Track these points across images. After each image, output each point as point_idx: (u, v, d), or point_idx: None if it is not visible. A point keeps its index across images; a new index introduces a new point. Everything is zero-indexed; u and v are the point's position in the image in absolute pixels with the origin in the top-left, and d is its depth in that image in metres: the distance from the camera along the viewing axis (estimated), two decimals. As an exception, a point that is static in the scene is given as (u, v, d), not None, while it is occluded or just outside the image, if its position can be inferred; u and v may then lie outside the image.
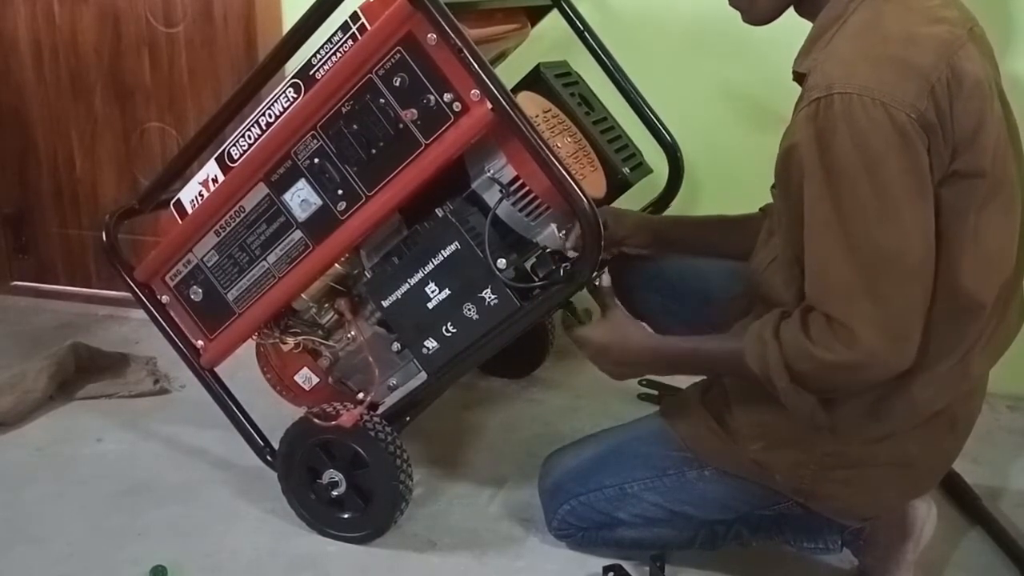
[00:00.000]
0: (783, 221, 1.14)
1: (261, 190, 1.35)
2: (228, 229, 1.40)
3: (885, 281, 1.01)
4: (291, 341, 1.45)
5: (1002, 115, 1.09)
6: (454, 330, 1.30)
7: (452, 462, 1.68)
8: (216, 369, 1.53)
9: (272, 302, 1.41)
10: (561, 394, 1.95)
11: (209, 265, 1.43)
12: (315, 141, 1.29)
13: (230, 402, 1.52)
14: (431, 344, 1.32)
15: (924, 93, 0.99)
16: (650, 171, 1.72)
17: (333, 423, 1.36)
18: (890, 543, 1.29)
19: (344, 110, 1.26)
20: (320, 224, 1.33)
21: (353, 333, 1.43)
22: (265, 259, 1.39)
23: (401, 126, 1.23)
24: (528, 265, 1.29)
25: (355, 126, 1.26)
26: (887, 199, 1.00)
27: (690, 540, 1.35)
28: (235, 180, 1.36)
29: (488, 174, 1.27)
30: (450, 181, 1.29)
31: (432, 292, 1.29)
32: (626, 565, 1.36)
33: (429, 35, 1.18)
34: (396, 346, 1.39)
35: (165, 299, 1.50)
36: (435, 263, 1.28)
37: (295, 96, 1.29)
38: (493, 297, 1.26)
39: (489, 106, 1.17)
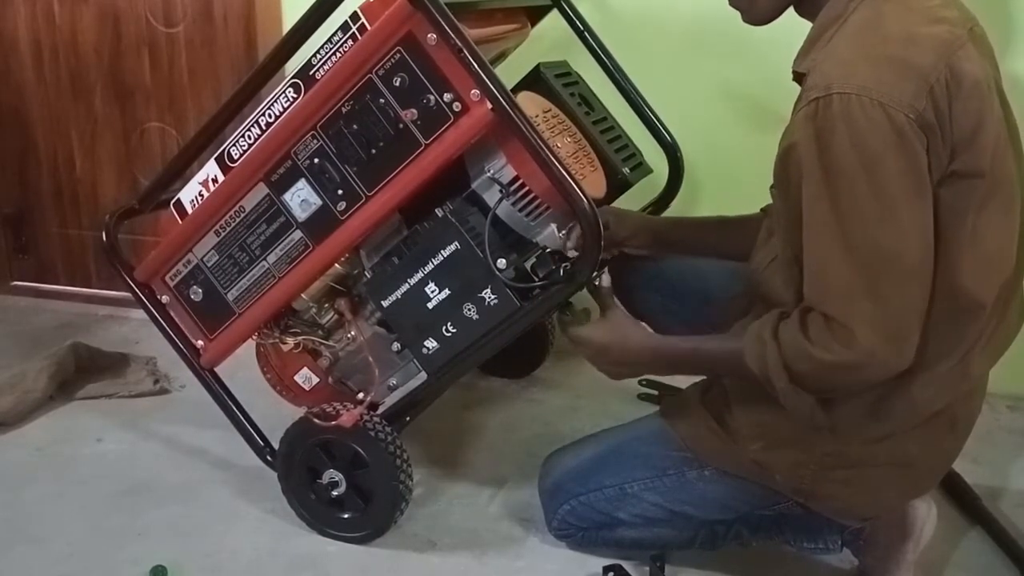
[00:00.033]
0: (782, 221, 1.14)
1: (261, 190, 1.35)
2: (228, 229, 1.40)
3: (884, 281, 1.01)
4: (291, 341, 1.45)
5: (1002, 115, 1.09)
6: (454, 330, 1.30)
7: (452, 462, 1.68)
8: (216, 369, 1.53)
9: (272, 302, 1.41)
10: (561, 394, 1.95)
11: (209, 265, 1.43)
12: (315, 141, 1.29)
13: (230, 402, 1.52)
14: (431, 344, 1.32)
15: (923, 93, 0.99)
16: (650, 171, 1.72)
17: (333, 423, 1.36)
18: (890, 543, 1.29)
19: (344, 110, 1.26)
20: (320, 224, 1.33)
21: (353, 333, 1.43)
22: (265, 259, 1.39)
23: (401, 126, 1.23)
24: (528, 265, 1.29)
25: (355, 126, 1.26)
26: (885, 199, 1.00)
27: (690, 540, 1.35)
28: (235, 180, 1.36)
29: (488, 174, 1.27)
30: (450, 181, 1.29)
31: (432, 292, 1.29)
32: (626, 565, 1.36)
33: (429, 35, 1.18)
34: (396, 346, 1.39)
35: (165, 299, 1.50)
36: (435, 263, 1.28)
37: (295, 96, 1.29)
38: (493, 297, 1.26)
39: (489, 106, 1.17)
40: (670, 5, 1.92)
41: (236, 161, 1.35)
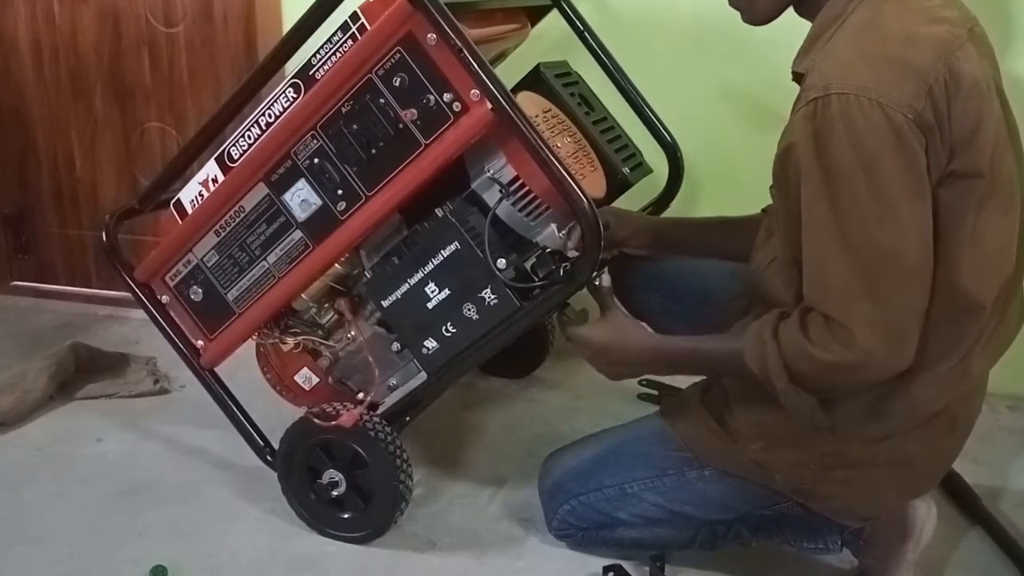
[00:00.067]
0: (781, 221, 1.14)
1: (261, 190, 1.35)
2: (228, 229, 1.40)
3: (883, 281, 1.01)
4: (291, 341, 1.45)
5: (1001, 115, 1.09)
6: (454, 330, 1.30)
7: (452, 462, 1.68)
8: (216, 369, 1.53)
9: (272, 302, 1.41)
10: (561, 394, 1.95)
11: (209, 265, 1.43)
12: (315, 141, 1.29)
13: (230, 402, 1.52)
14: (431, 344, 1.32)
15: (922, 93, 0.99)
16: (650, 171, 1.72)
17: (333, 423, 1.36)
18: (890, 543, 1.29)
19: (344, 110, 1.26)
20: (320, 224, 1.33)
21: (353, 333, 1.43)
22: (265, 259, 1.39)
23: (401, 126, 1.23)
24: (528, 265, 1.29)
25: (355, 126, 1.26)
26: (884, 199, 1.00)
27: (690, 540, 1.35)
28: (235, 180, 1.36)
29: (488, 174, 1.27)
30: (450, 181, 1.29)
31: (432, 292, 1.29)
32: (626, 565, 1.36)
33: (429, 35, 1.18)
34: (396, 346, 1.39)
35: (165, 299, 1.50)
36: (435, 263, 1.28)
37: (295, 96, 1.29)
38: (493, 297, 1.26)
39: (489, 106, 1.17)
40: (670, 5, 1.92)
41: (236, 161, 1.35)
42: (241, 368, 1.57)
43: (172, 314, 1.51)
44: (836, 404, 1.12)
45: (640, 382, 1.88)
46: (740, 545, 1.35)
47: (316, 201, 1.32)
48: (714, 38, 1.86)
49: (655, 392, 1.88)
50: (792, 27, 1.17)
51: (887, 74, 1.00)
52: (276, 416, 1.51)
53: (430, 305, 1.30)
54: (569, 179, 1.18)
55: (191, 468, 1.64)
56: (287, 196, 1.33)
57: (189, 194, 1.42)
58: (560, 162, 1.18)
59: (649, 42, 1.92)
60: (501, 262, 1.24)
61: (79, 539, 1.44)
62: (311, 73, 1.27)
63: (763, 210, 1.42)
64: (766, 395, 1.12)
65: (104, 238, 1.54)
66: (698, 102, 1.94)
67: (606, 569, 1.35)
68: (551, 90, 1.57)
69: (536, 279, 1.26)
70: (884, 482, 1.20)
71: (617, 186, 1.60)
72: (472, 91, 1.18)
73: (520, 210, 1.28)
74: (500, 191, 1.26)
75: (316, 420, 1.38)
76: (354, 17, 1.23)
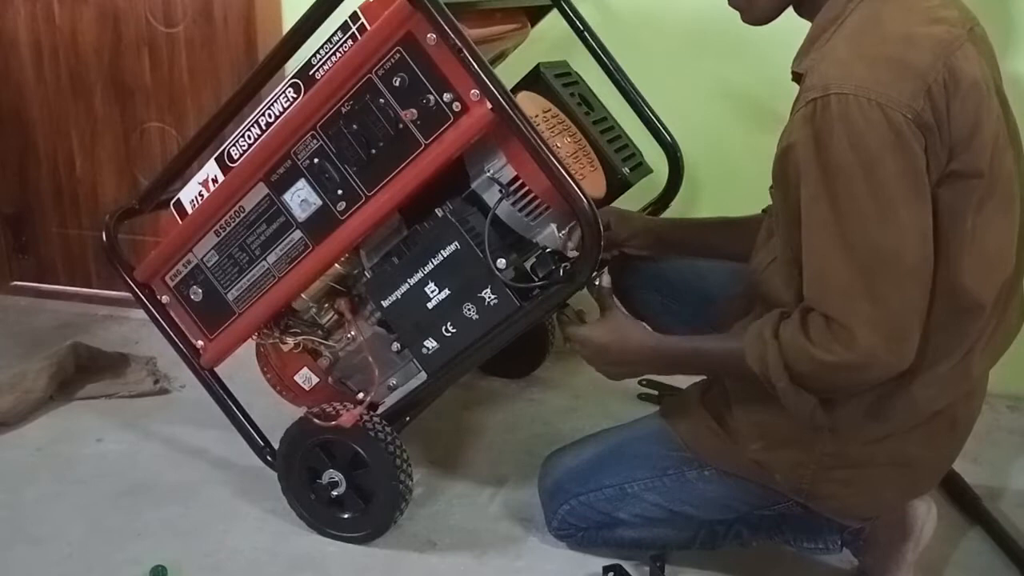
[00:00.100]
0: (781, 221, 1.14)
1: (261, 190, 1.35)
2: (228, 229, 1.40)
3: (883, 282, 1.01)
4: (291, 341, 1.45)
5: (1001, 115, 1.09)
6: (454, 330, 1.30)
7: (452, 462, 1.68)
8: (216, 369, 1.53)
9: (272, 302, 1.41)
10: (561, 394, 1.95)
11: (209, 265, 1.43)
12: (315, 141, 1.29)
13: (230, 402, 1.52)
14: (431, 344, 1.32)
15: (921, 93, 0.99)
16: (650, 171, 1.72)
17: (333, 423, 1.36)
18: (890, 543, 1.29)
19: (344, 110, 1.26)
20: (320, 224, 1.33)
21: (353, 333, 1.43)
22: (265, 259, 1.39)
23: (401, 126, 1.23)
24: (528, 265, 1.29)
25: (355, 126, 1.26)
26: (884, 199, 1.00)
27: (690, 540, 1.35)
28: (235, 180, 1.36)
29: (488, 174, 1.27)
30: (450, 181, 1.29)
31: (432, 292, 1.29)
32: (626, 565, 1.36)
33: (429, 35, 1.18)
34: (396, 346, 1.39)
35: (165, 299, 1.50)
36: (435, 263, 1.28)
37: (295, 96, 1.29)
38: (493, 297, 1.26)
39: (489, 106, 1.17)
40: (670, 5, 1.92)
41: (236, 161, 1.35)
42: (241, 368, 1.57)
43: (172, 314, 1.51)
44: (836, 404, 1.12)
45: (640, 382, 1.88)
46: (740, 545, 1.36)
47: (316, 201, 1.32)
48: (714, 38, 1.86)
49: (655, 392, 1.88)
50: (792, 27, 1.17)
51: (886, 74, 1.00)
52: (276, 416, 1.51)
53: (430, 305, 1.30)
54: (569, 179, 1.18)
55: (191, 468, 1.64)
56: (287, 196, 1.33)
57: (189, 194, 1.42)
58: (560, 162, 1.18)
59: (649, 42, 1.92)
60: (501, 262, 1.24)
61: (79, 539, 1.44)
62: (311, 73, 1.27)
63: (764, 210, 1.42)
64: (766, 395, 1.12)
65: (104, 238, 1.53)
66: (698, 102, 1.94)
67: (606, 569, 1.35)
68: (551, 90, 1.57)
69: (536, 279, 1.26)
70: (884, 482, 1.20)
71: (617, 186, 1.60)
72: (472, 91, 1.18)
73: (520, 210, 1.28)
74: (500, 191, 1.26)
75: (316, 420, 1.38)
76: (354, 17, 1.23)
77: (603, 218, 1.22)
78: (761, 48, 1.50)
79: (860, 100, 0.98)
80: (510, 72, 1.61)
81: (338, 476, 1.41)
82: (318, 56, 1.26)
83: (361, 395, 1.43)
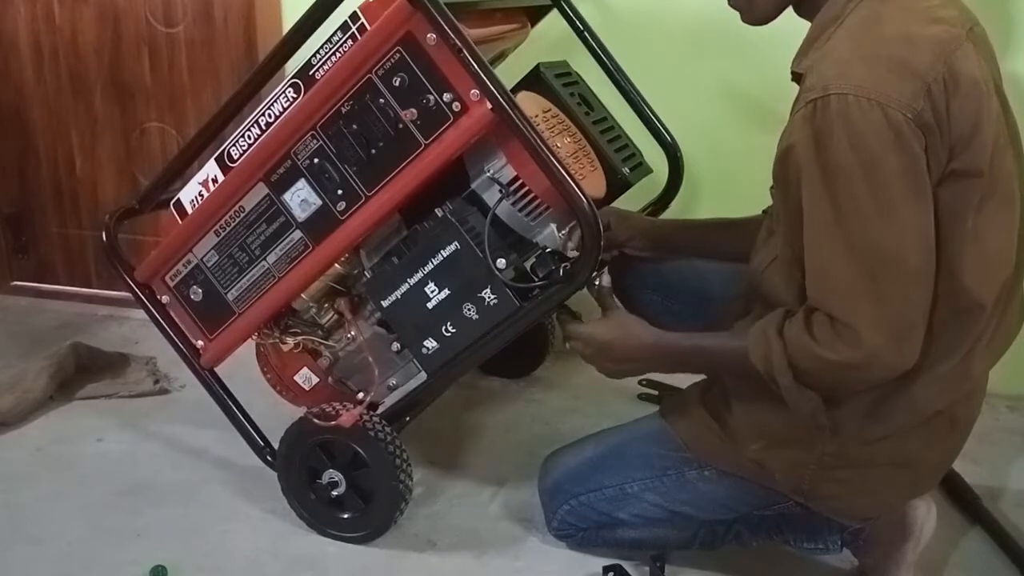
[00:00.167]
0: (782, 221, 1.14)
1: (261, 190, 1.35)
2: (228, 229, 1.40)
3: (885, 281, 1.01)
4: (291, 341, 1.45)
5: (1001, 115, 1.09)
6: (454, 330, 1.30)
7: (452, 462, 1.68)
8: (216, 369, 1.53)
9: (272, 302, 1.41)
10: (561, 394, 1.95)
11: (209, 265, 1.43)
12: (315, 141, 1.29)
13: (230, 402, 1.52)
14: (431, 344, 1.32)
15: (920, 93, 0.99)
16: (650, 171, 1.72)
17: (333, 423, 1.36)
18: (890, 543, 1.29)
19: (344, 110, 1.26)
20: (320, 224, 1.33)
21: (353, 333, 1.43)
22: (265, 259, 1.39)
23: (401, 126, 1.23)
24: (528, 265, 1.29)
25: (355, 126, 1.26)
26: (885, 199, 1.00)
27: (690, 540, 1.35)
28: (235, 180, 1.36)
29: (488, 174, 1.27)
30: (450, 181, 1.29)
31: (432, 292, 1.29)
32: (626, 565, 1.36)
33: (429, 35, 1.18)
34: (396, 346, 1.39)
35: (165, 299, 1.50)
36: (435, 263, 1.28)
37: (295, 96, 1.29)
38: (493, 297, 1.26)
39: (489, 106, 1.17)
40: (670, 5, 1.92)
41: (236, 161, 1.35)
42: (241, 368, 1.57)
43: (172, 314, 1.51)
44: (837, 404, 1.12)
45: (640, 382, 1.88)
46: (740, 545, 1.36)
47: (316, 201, 1.32)
48: (714, 38, 1.86)
49: (655, 392, 1.88)
50: (792, 27, 1.17)
51: (886, 74, 1.00)
52: (276, 416, 1.51)
53: (430, 305, 1.30)
54: (569, 179, 1.18)
55: (191, 468, 1.64)
56: (287, 196, 1.33)
57: (189, 194, 1.42)
58: (560, 162, 1.18)
59: (649, 42, 1.92)
60: (501, 262, 1.24)
61: (79, 539, 1.44)
62: (311, 73, 1.27)
63: (764, 211, 1.42)
64: (766, 395, 1.12)
65: (104, 238, 1.54)
66: (698, 102, 1.94)
67: (606, 569, 1.35)
68: (551, 90, 1.57)
69: (536, 279, 1.26)
70: (884, 482, 1.20)
71: (617, 186, 1.60)
72: (472, 91, 1.18)
73: (520, 210, 1.28)
74: (500, 191, 1.26)
75: (316, 420, 1.38)
76: (354, 17, 1.23)
77: (603, 218, 1.22)
78: (761, 48, 1.50)
79: (860, 100, 0.98)
80: (510, 72, 1.61)
81: (338, 476, 1.41)
82: (318, 56, 1.26)
83: (361, 395, 1.43)
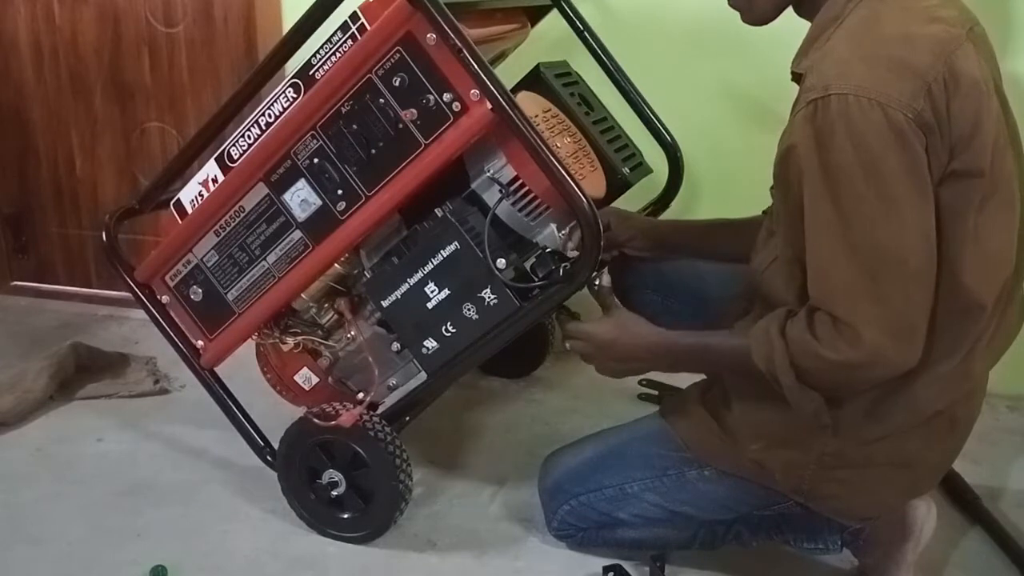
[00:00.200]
0: (783, 221, 1.14)
1: (261, 190, 1.35)
2: (228, 229, 1.40)
3: (887, 281, 1.01)
4: (291, 341, 1.45)
5: (1001, 115, 1.09)
6: (454, 330, 1.30)
7: (452, 462, 1.68)
8: (216, 369, 1.53)
9: (272, 302, 1.41)
10: (561, 394, 1.95)
11: (209, 265, 1.43)
12: (315, 141, 1.29)
13: (230, 402, 1.52)
14: (431, 344, 1.32)
15: (921, 93, 0.99)
16: (650, 171, 1.72)
17: (333, 423, 1.36)
18: (890, 543, 1.29)
19: (344, 110, 1.26)
20: (320, 224, 1.33)
21: (353, 333, 1.43)
22: (265, 259, 1.39)
23: (401, 126, 1.23)
24: (528, 265, 1.29)
25: (355, 126, 1.26)
26: (887, 199, 1.00)
27: (690, 540, 1.35)
28: (235, 180, 1.36)
29: (488, 174, 1.27)
30: (450, 181, 1.29)
31: (432, 292, 1.29)
32: (626, 565, 1.36)
33: (428, 35, 1.18)
34: (396, 346, 1.39)
35: (165, 299, 1.50)
36: (435, 263, 1.28)
37: (295, 96, 1.29)
38: (493, 297, 1.26)
39: (489, 106, 1.17)
40: (670, 5, 1.92)
41: (236, 161, 1.35)
42: (241, 368, 1.57)
43: (172, 314, 1.51)
44: (838, 403, 1.12)
45: (640, 382, 1.88)
46: (740, 545, 1.35)
47: (316, 201, 1.32)
48: (714, 38, 1.86)
49: (655, 392, 1.88)
50: (792, 27, 1.17)
51: (886, 74, 1.00)
52: (276, 416, 1.51)
53: (430, 305, 1.30)
54: (569, 179, 1.18)
55: (191, 468, 1.64)
56: (287, 196, 1.33)
57: (189, 194, 1.42)
58: (560, 162, 1.18)
59: (649, 42, 1.92)
60: (501, 262, 1.24)
61: (79, 539, 1.44)
62: (311, 73, 1.27)
63: (764, 212, 1.42)
64: (766, 395, 1.12)
65: (104, 238, 1.53)
66: (698, 102, 1.94)
67: (606, 569, 1.35)
68: (551, 90, 1.57)
69: (536, 279, 1.26)
70: (884, 482, 1.20)
71: (617, 186, 1.60)
72: (472, 91, 1.18)
73: (520, 210, 1.28)
74: (500, 191, 1.26)
75: (316, 420, 1.38)
76: (354, 17, 1.23)
77: (603, 218, 1.22)
78: (761, 48, 1.50)
79: (860, 100, 0.98)
80: (510, 72, 1.61)
81: (338, 476, 1.41)
82: (318, 56, 1.26)
83: (361, 395, 1.43)
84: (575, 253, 1.31)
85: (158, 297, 1.51)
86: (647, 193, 1.80)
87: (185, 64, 2.15)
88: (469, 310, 1.28)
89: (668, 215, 1.80)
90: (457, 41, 1.15)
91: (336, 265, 1.39)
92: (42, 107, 2.26)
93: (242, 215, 1.38)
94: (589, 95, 1.68)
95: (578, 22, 1.80)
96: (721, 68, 1.92)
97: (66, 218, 2.35)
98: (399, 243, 1.35)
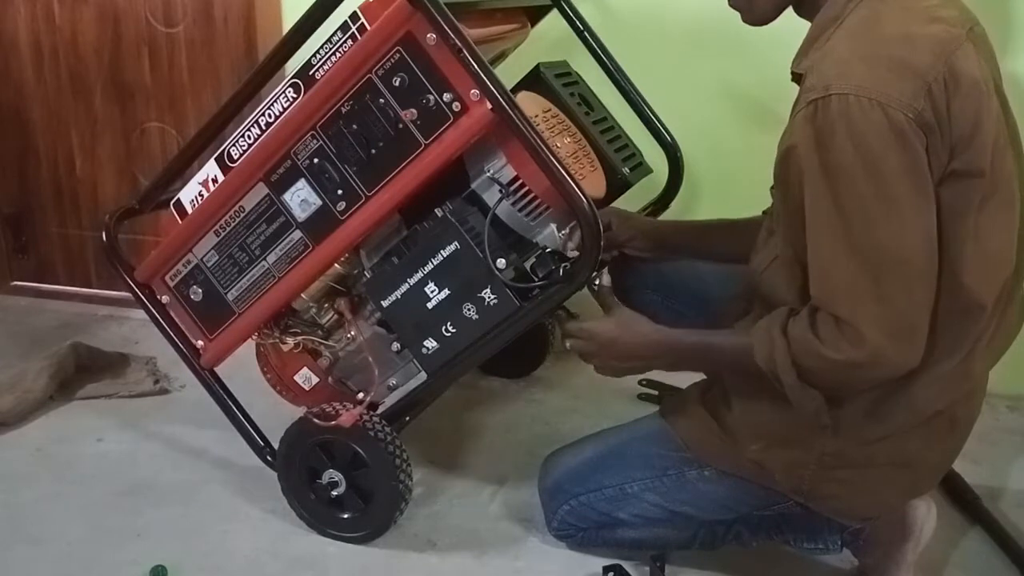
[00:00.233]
0: (783, 221, 1.14)
1: (261, 190, 1.35)
2: (228, 229, 1.40)
3: (889, 281, 1.01)
4: (291, 341, 1.45)
5: (1001, 115, 1.09)
6: (454, 330, 1.30)
7: (452, 462, 1.68)
8: (216, 369, 1.53)
9: (272, 302, 1.41)
10: (561, 394, 1.95)
11: (209, 265, 1.43)
12: (315, 141, 1.29)
13: (230, 402, 1.52)
14: (431, 344, 1.32)
15: (921, 93, 0.99)
16: (650, 171, 1.72)
17: (333, 423, 1.36)
18: (890, 543, 1.29)
19: (344, 110, 1.26)
20: (320, 224, 1.33)
21: (353, 333, 1.43)
22: (265, 259, 1.39)
23: (401, 126, 1.23)
24: (528, 265, 1.29)
25: (355, 126, 1.26)
26: (887, 199, 1.00)
27: (690, 540, 1.35)
28: (235, 180, 1.36)
29: (488, 174, 1.27)
30: (450, 181, 1.29)
31: (432, 292, 1.29)
32: (626, 565, 1.36)
33: (428, 35, 1.18)
34: (396, 346, 1.39)
35: (165, 299, 1.50)
36: (435, 263, 1.28)
37: (295, 96, 1.29)
38: (493, 297, 1.26)
39: (489, 106, 1.17)
40: (670, 5, 1.92)
41: (236, 161, 1.35)
42: (241, 368, 1.57)
43: (172, 314, 1.51)
44: (839, 403, 1.12)
45: (640, 382, 1.88)
46: (740, 545, 1.35)
47: (316, 201, 1.32)
48: (714, 38, 1.86)
49: (655, 392, 1.88)
50: (792, 27, 1.17)
51: (886, 74, 1.00)
52: (276, 416, 1.51)
53: (430, 305, 1.30)
54: (569, 179, 1.18)
55: (191, 468, 1.64)
56: (287, 196, 1.33)
57: (189, 194, 1.42)
58: (560, 162, 1.18)
59: (649, 42, 1.93)
60: (501, 262, 1.24)
61: (79, 539, 1.44)
62: (311, 73, 1.27)
63: (764, 212, 1.41)
64: (766, 395, 1.12)
65: (104, 238, 1.54)
66: (698, 102, 1.94)
67: (606, 569, 1.35)
68: (551, 90, 1.57)
69: (536, 279, 1.26)
70: (884, 482, 1.20)
71: (617, 186, 1.60)
72: (472, 91, 1.18)
73: (520, 210, 1.28)
74: (500, 191, 1.26)
75: (316, 420, 1.38)
76: (354, 17, 1.23)
77: (603, 218, 1.22)
78: (761, 48, 1.50)
79: (861, 100, 0.98)
80: (510, 72, 1.61)
81: (338, 476, 1.41)
82: (318, 56, 1.26)
83: (361, 395, 1.43)
84: (575, 253, 1.31)
85: (158, 297, 1.51)
86: (647, 193, 1.80)
87: (185, 64, 2.15)
88: (469, 310, 1.28)
89: (668, 215, 1.80)
90: (457, 41, 1.15)
91: (336, 265, 1.39)
92: (42, 107, 2.26)
93: (242, 215, 1.38)
94: (589, 95, 1.68)
95: (578, 22, 1.80)
96: (721, 68, 1.92)
97: (66, 218, 2.35)
98: (399, 243, 1.35)
